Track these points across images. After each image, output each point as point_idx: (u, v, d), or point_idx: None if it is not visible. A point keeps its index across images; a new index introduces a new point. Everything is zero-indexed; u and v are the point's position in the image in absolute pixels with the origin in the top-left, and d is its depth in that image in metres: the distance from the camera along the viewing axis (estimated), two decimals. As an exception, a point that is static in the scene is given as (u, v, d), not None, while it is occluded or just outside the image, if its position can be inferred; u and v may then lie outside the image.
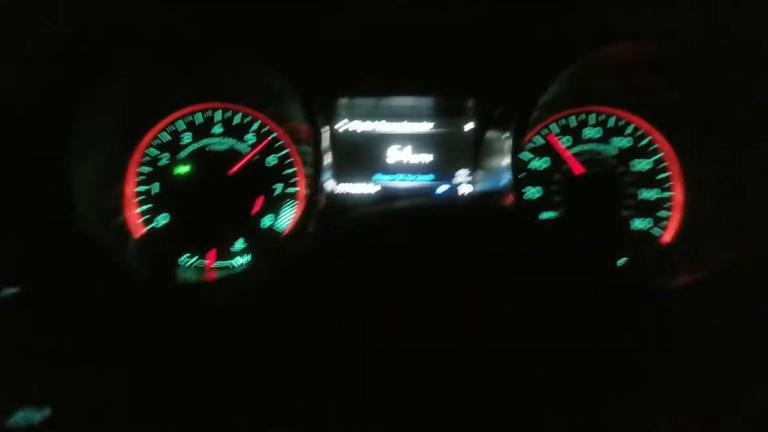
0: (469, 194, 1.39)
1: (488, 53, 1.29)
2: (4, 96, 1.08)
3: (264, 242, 1.41)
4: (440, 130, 1.40)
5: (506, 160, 1.25)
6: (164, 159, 1.41)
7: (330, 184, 1.37)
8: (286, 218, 1.43)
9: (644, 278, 1.32)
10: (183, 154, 1.42)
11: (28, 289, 0.87)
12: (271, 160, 1.43)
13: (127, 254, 1.30)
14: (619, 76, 1.32)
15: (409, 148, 1.41)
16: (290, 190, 1.43)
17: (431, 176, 1.41)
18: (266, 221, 1.42)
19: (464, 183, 1.40)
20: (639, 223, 1.40)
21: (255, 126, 1.43)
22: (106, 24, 1.12)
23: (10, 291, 0.84)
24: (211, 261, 1.41)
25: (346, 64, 1.29)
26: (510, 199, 1.24)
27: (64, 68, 1.12)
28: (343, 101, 1.36)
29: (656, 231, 1.39)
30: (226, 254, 1.42)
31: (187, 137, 1.42)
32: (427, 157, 1.41)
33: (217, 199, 1.39)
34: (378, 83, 1.31)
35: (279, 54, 1.22)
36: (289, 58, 1.22)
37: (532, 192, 1.41)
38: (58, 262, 1.13)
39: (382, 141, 1.41)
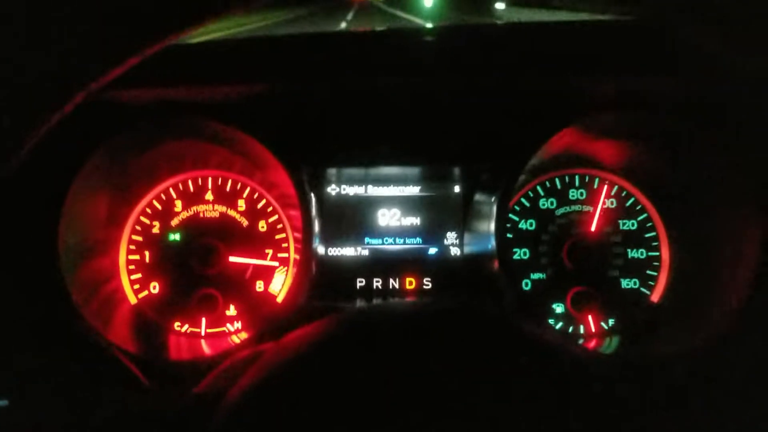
0: (458, 257, 1.41)
1: (472, 122, 1.31)
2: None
3: (258, 309, 1.42)
4: (428, 193, 1.43)
5: (492, 224, 1.26)
6: (156, 227, 1.43)
7: (320, 249, 1.38)
8: (278, 283, 1.44)
9: (632, 340, 1.33)
10: (175, 221, 1.43)
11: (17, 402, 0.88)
12: (262, 225, 1.45)
13: (118, 325, 1.31)
14: (602, 141, 1.34)
15: (398, 211, 1.43)
16: (281, 255, 1.45)
17: (419, 239, 1.43)
18: (259, 286, 1.43)
19: (453, 246, 1.42)
20: (627, 283, 1.40)
21: (246, 192, 1.45)
22: (100, 99, 1.15)
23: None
24: (204, 327, 1.41)
25: (331, 137, 1.31)
26: (495, 263, 1.26)
27: (57, 139, 1.14)
28: (330, 171, 1.38)
29: (643, 291, 1.40)
30: (219, 319, 1.43)
31: (178, 205, 1.44)
32: (415, 221, 1.43)
33: (210, 267, 1.40)
34: (363, 155, 1.33)
35: (263, 127, 1.24)
36: (274, 131, 1.25)
37: (520, 253, 1.42)
38: (46, 338, 1.14)
39: (370, 205, 1.43)
